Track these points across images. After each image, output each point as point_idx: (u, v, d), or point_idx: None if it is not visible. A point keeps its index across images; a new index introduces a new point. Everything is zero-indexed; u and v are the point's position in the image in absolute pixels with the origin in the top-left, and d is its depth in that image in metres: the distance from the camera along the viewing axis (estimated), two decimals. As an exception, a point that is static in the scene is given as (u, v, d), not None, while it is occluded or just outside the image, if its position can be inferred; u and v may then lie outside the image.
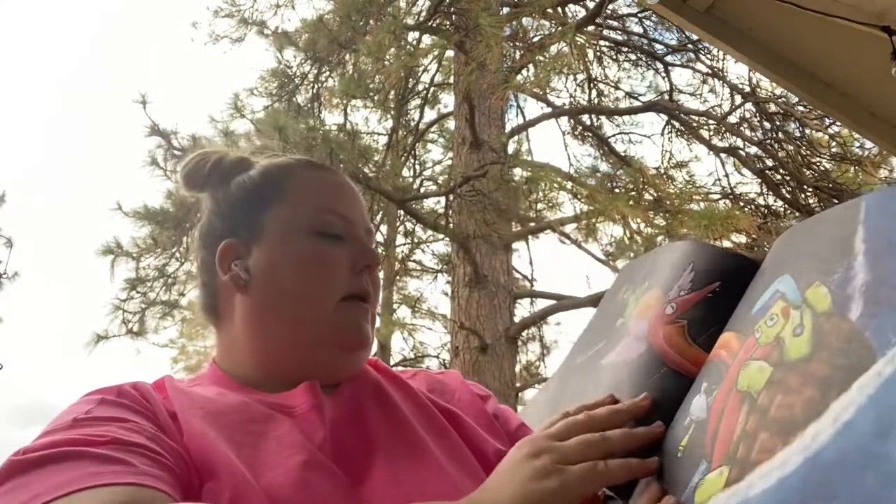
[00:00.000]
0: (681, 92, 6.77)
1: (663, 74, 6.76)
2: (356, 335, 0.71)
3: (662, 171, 6.57)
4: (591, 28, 6.13)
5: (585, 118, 6.95)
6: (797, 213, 5.81)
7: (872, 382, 0.35)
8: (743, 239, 5.47)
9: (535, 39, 6.05)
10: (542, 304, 6.15)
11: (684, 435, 0.46)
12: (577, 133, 7.04)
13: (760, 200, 6.21)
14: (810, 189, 5.96)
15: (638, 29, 6.85)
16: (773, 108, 6.26)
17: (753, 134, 6.34)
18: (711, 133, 6.50)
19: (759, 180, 6.10)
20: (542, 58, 5.12)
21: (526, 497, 0.48)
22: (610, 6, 6.15)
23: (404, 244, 7.90)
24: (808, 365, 0.39)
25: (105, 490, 0.48)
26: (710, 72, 6.57)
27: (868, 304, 0.38)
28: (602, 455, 0.50)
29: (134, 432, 0.55)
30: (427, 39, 6.40)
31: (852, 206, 0.43)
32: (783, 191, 6.05)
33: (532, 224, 6.43)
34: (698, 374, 0.51)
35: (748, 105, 6.40)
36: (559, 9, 6.06)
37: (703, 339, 0.53)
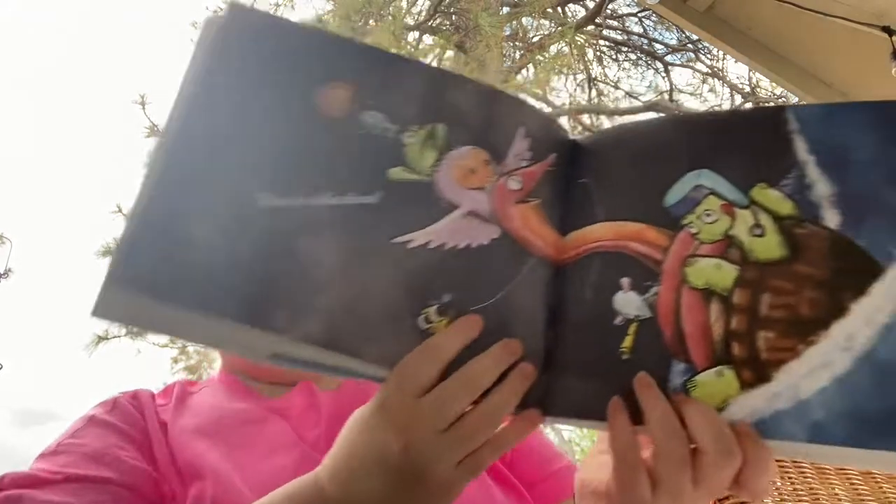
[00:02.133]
0: (681, 92, 6.78)
1: (663, 74, 6.77)
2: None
3: (662, 170, 6.56)
4: (590, 28, 6.14)
5: (585, 118, 6.96)
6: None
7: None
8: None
9: (535, 39, 6.05)
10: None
11: (623, 335, 0.44)
12: (577, 133, 7.03)
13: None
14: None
15: (638, 29, 6.85)
16: (773, 107, 6.26)
17: (753, 134, 6.35)
18: (711, 133, 6.50)
19: (760, 180, 6.11)
20: (541, 58, 5.12)
21: None
22: (610, 6, 6.16)
23: (404, 244, 7.88)
24: (791, 267, 0.41)
25: None
26: (710, 72, 6.58)
27: (848, 215, 0.40)
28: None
29: (101, 464, 0.56)
30: (427, 39, 6.40)
31: (772, 114, 0.44)
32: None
33: (532, 224, 6.41)
34: (579, 263, 0.46)
35: (748, 105, 6.41)
36: (559, 9, 6.06)
37: (555, 222, 0.47)
